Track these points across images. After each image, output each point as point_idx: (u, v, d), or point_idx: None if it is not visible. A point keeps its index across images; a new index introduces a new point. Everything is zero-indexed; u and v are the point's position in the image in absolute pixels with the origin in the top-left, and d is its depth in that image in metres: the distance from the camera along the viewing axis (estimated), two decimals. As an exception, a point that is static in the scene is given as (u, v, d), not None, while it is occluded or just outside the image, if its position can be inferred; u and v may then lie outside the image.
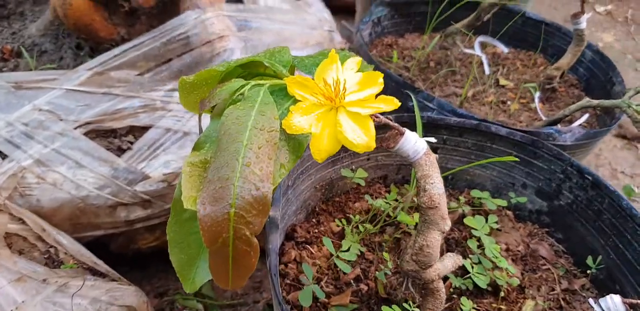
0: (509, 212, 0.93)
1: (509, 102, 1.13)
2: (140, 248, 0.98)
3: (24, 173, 0.86)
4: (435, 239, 0.63)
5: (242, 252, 0.48)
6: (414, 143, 0.64)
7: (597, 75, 1.18)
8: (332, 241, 0.84)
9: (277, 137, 0.50)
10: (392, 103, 0.53)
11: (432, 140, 0.69)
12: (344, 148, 0.89)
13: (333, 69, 0.55)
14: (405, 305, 0.68)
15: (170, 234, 0.54)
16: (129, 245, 0.97)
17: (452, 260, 0.70)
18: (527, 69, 1.25)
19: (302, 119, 0.52)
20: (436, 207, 0.62)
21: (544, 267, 0.86)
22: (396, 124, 0.63)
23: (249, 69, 0.62)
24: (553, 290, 0.83)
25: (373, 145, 0.52)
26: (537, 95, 1.11)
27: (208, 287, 1.06)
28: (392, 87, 0.98)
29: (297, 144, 0.53)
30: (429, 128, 0.89)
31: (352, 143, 0.52)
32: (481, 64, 1.23)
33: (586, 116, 1.10)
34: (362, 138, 0.52)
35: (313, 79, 0.52)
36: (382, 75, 0.53)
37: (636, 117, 0.89)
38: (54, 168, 0.86)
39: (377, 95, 0.54)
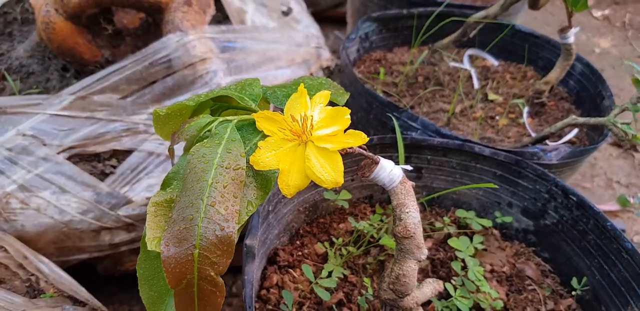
0: (495, 231, 0.93)
1: (497, 117, 1.12)
2: (127, 269, 0.98)
3: (8, 198, 0.87)
4: (411, 268, 0.63)
5: (207, 292, 0.48)
6: (389, 171, 0.64)
7: (587, 88, 1.17)
8: (316, 265, 0.84)
9: (243, 175, 0.50)
10: (360, 138, 0.52)
11: (408, 167, 0.68)
12: (326, 170, 0.89)
13: (302, 104, 0.54)
14: (384, 333, 0.67)
15: (140, 271, 0.54)
16: (115, 267, 0.97)
17: (431, 287, 0.70)
18: (517, 82, 1.24)
19: (270, 155, 0.52)
20: (411, 236, 0.62)
21: (530, 287, 0.86)
22: (370, 154, 0.63)
23: (221, 102, 0.62)
24: (539, 311, 0.83)
25: (341, 181, 0.52)
26: (525, 110, 1.11)
27: (197, 307, 1.06)
28: (376, 107, 0.97)
29: (265, 180, 0.52)
30: (412, 149, 0.89)
31: (320, 179, 0.51)
32: (470, 77, 1.23)
33: (575, 131, 1.09)
34: (330, 174, 0.52)
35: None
36: (349, 111, 0.53)
37: (622, 136, 0.88)
38: (37, 194, 0.87)
39: (347, 129, 0.53)
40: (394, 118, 0.80)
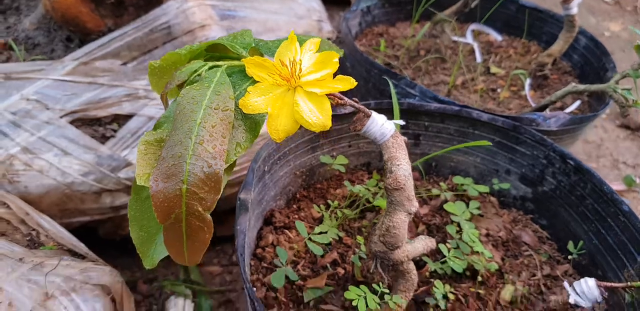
0: (493, 199, 0.93)
1: (499, 90, 1.12)
2: (127, 233, 1.00)
3: (12, 160, 0.88)
4: (401, 220, 0.63)
5: (195, 228, 0.49)
6: (380, 125, 0.64)
7: (591, 62, 1.16)
8: (312, 227, 0.85)
9: (231, 116, 0.51)
10: (347, 83, 0.53)
11: (401, 122, 0.69)
12: (323, 135, 0.90)
13: (292, 50, 0.55)
14: (375, 286, 0.68)
15: (131, 212, 0.55)
16: (116, 230, 0.99)
17: (423, 243, 0.70)
18: (521, 56, 1.23)
19: (259, 99, 0.53)
20: (402, 188, 0.62)
21: (526, 253, 0.86)
22: (362, 106, 0.64)
23: (214, 52, 0.62)
24: (534, 275, 0.83)
25: (329, 124, 0.52)
26: (527, 82, 1.10)
27: (197, 274, 1.07)
28: (375, 75, 0.97)
29: (253, 124, 0.53)
30: (410, 115, 0.89)
31: (309, 123, 0.52)
32: (473, 52, 1.22)
33: (577, 103, 1.08)
34: (317, 118, 0.52)
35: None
36: (338, 55, 0.53)
37: (622, 102, 0.88)
38: (40, 156, 0.88)
39: (336, 75, 0.54)
40: (389, 81, 0.80)
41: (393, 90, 0.79)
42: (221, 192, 0.49)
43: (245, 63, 0.54)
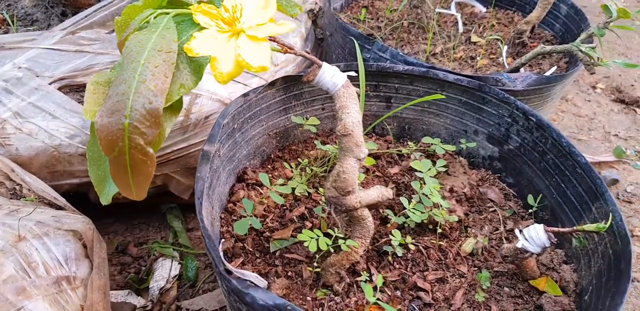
0: (462, 159, 0.95)
1: (478, 58, 1.13)
2: (117, 198, 1.05)
3: (3, 124, 0.94)
4: (350, 165, 0.67)
5: (138, 161, 0.52)
6: (332, 76, 0.67)
7: (572, 30, 1.17)
8: (284, 185, 0.88)
9: (174, 58, 0.54)
10: (286, 26, 0.56)
11: (352, 73, 0.72)
12: (295, 97, 0.93)
13: (237, -2, 0.58)
14: (330, 230, 0.71)
15: (89, 153, 0.59)
16: (105, 194, 1.04)
17: (377, 191, 0.73)
18: (504, 27, 1.24)
19: (203, 43, 0.56)
20: (350, 133, 0.65)
21: (491, 209, 0.88)
22: (313, 57, 0.67)
23: (174, 5, 0.66)
24: (497, 229, 0.85)
25: (267, 66, 0.56)
26: (504, 49, 1.11)
27: (185, 237, 1.12)
28: (350, 41, 1.00)
29: (197, 66, 0.57)
30: (380, 77, 0.92)
31: (249, 65, 0.55)
32: (457, 23, 1.24)
33: (554, 69, 1.09)
34: (257, 59, 0.56)
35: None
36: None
37: (587, 60, 0.89)
38: (30, 120, 0.94)
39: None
40: (355, 42, 0.83)
41: (358, 50, 0.81)
42: (160, 127, 0.52)
43: (193, 10, 0.57)
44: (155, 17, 0.57)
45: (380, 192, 0.74)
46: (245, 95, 0.82)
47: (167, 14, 0.58)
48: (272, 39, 0.60)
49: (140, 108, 0.51)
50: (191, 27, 0.59)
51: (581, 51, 0.87)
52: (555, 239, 0.69)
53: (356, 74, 0.71)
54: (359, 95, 0.71)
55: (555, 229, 0.69)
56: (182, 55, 0.56)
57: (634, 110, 1.59)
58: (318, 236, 0.70)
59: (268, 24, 0.56)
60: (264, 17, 0.57)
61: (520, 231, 0.71)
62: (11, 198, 0.78)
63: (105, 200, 0.59)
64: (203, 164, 0.70)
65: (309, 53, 0.62)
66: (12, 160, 0.93)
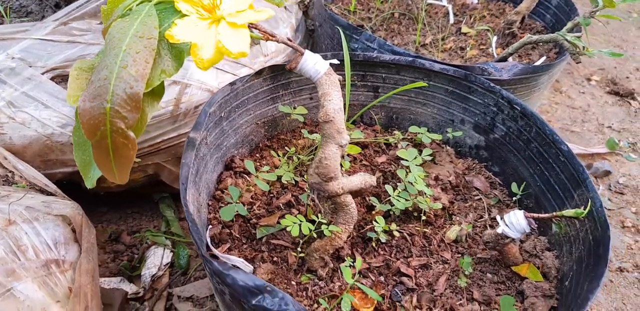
0: (450, 149, 0.96)
1: (468, 49, 1.14)
2: (109, 187, 1.07)
3: (-3, 114, 0.95)
4: (332, 152, 0.68)
5: (120, 144, 0.54)
6: (314, 63, 0.68)
7: (562, 20, 1.17)
8: (270, 172, 0.89)
9: (155, 44, 0.55)
10: (266, 13, 0.57)
11: (335, 61, 0.73)
12: (283, 86, 0.94)
13: (218, -14, 0.59)
14: (313, 216, 0.72)
15: (75, 138, 0.61)
16: (98, 183, 1.05)
17: (360, 178, 0.74)
18: (495, 18, 1.25)
19: (184, 30, 0.57)
20: (331, 120, 0.66)
21: (477, 197, 0.89)
22: (295, 45, 0.68)
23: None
24: (481, 217, 0.86)
25: (246, 51, 0.57)
26: (494, 40, 1.12)
27: (177, 226, 1.14)
28: (338, 31, 1.01)
29: (179, 52, 0.58)
30: (367, 67, 0.93)
31: (229, 51, 0.57)
32: (447, 14, 1.24)
33: (543, 59, 1.10)
34: (237, 45, 0.57)
35: None
36: (256, -13, 0.57)
37: (572, 50, 0.90)
38: (22, 109, 0.95)
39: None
40: (341, 31, 0.83)
41: (344, 39, 0.82)
42: (140, 111, 0.54)
43: (174, -1, 0.58)
44: (137, 5, 0.58)
45: (363, 179, 0.75)
46: (232, 84, 0.83)
47: (150, 1, 0.59)
48: (254, 27, 0.61)
49: (121, 93, 0.52)
50: (173, 15, 0.60)
51: (567, 40, 0.87)
52: (535, 225, 0.70)
53: (339, 62, 0.72)
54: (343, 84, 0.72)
55: (535, 215, 0.70)
56: (164, 41, 0.57)
57: (628, 102, 1.59)
58: (301, 221, 0.72)
59: (247, 11, 0.57)
60: (244, 4, 0.58)
61: (502, 217, 0.72)
62: (3, 185, 0.80)
63: (90, 183, 0.60)
64: (188, 151, 0.72)
65: (290, 40, 0.63)
66: (5, 149, 0.95)
